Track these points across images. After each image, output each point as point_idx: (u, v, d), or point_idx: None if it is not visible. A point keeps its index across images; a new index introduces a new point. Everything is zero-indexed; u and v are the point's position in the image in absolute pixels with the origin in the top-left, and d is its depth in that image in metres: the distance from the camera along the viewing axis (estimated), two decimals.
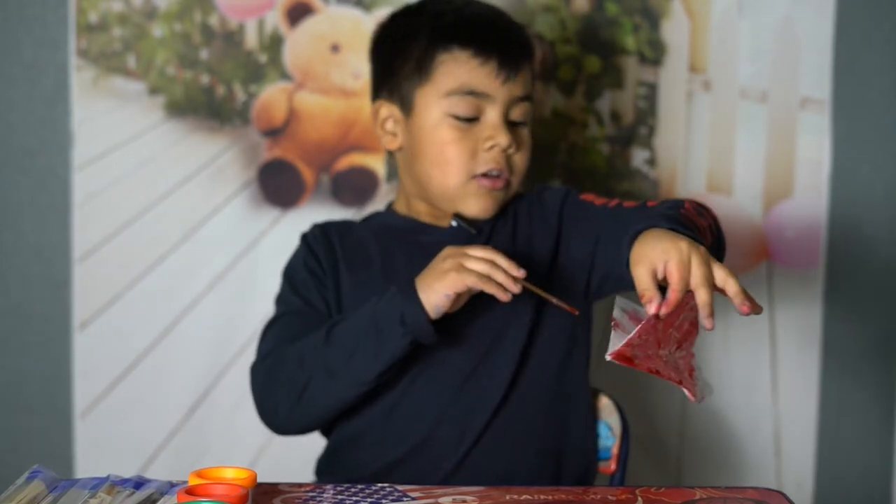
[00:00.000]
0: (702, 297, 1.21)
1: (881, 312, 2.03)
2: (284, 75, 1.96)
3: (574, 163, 1.98)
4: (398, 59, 1.57)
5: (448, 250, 1.40)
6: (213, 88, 1.96)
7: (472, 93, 1.52)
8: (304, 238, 1.62)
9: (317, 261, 1.57)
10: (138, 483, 1.25)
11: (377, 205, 1.96)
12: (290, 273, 1.60)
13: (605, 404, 1.63)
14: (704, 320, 1.22)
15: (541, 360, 1.53)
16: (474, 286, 1.36)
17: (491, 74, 1.52)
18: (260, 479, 1.22)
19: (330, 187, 1.97)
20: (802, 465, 2.04)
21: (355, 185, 1.97)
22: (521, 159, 1.55)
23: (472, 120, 1.53)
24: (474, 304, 1.44)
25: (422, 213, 1.60)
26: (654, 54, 1.97)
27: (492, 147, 1.52)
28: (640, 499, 1.25)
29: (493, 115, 1.53)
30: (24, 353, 1.99)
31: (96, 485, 1.24)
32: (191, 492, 1.14)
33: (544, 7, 1.95)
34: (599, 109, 1.98)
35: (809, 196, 2.00)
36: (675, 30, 1.97)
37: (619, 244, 1.31)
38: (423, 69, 1.55)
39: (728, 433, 2.04)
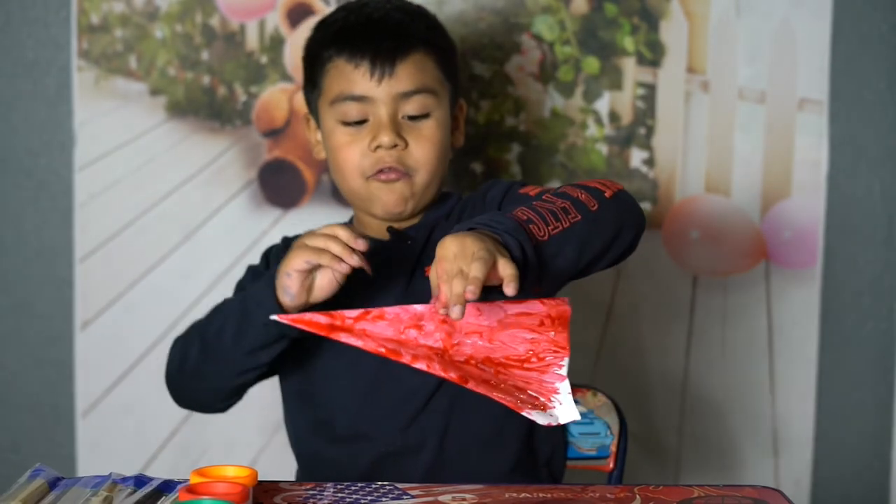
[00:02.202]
0: (454, 288, 1.19)
1: (879, 312, 2.04)
2: (285, 76, 1.96)
3: (573, 163, 1.99)
4: (305, 73, 1.62)
5: (304, 232, 1.39)
6: (214, 89, 1.96)
7: (351, 97, 1.53)
8: (266, 251, 1.64)
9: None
10: (140, 481, 1.25)
11: None
12: (242, 280, 1.62)
13: (603, 403, 1.63)
14: (451, 310, 1.20)
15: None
16: (310, 260, 1.33)
17: (366, 76, 1.53)
18: (261, 478, 1.22)
19: (330, 188, 1.98)
20: (800, 464, 2.04)
21: None
22: (420, 153, 1.54)
23: (362, 123, 1.54)
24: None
25: (372, 227, 1.59)
26: (653, 55, 1.98)
27: (376, 147, 1.52)
28: (638, 497, 1.25)
29: (376, 115, 1.53)
30: (26, 353, 2.00)
31: (98, 483, 1.24)
32: (192, 490, 1.14)
33: (543, 8, 1.96)
34: (598, 110, 1.99)
35: (807, 196, 2.01)
36: (673, 31, 1.98)
37: None
38: (314, 81, 1.59)
39: (726, 432, 2.05)
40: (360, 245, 1.33)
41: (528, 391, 1.24)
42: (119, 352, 1.99)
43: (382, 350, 1.25)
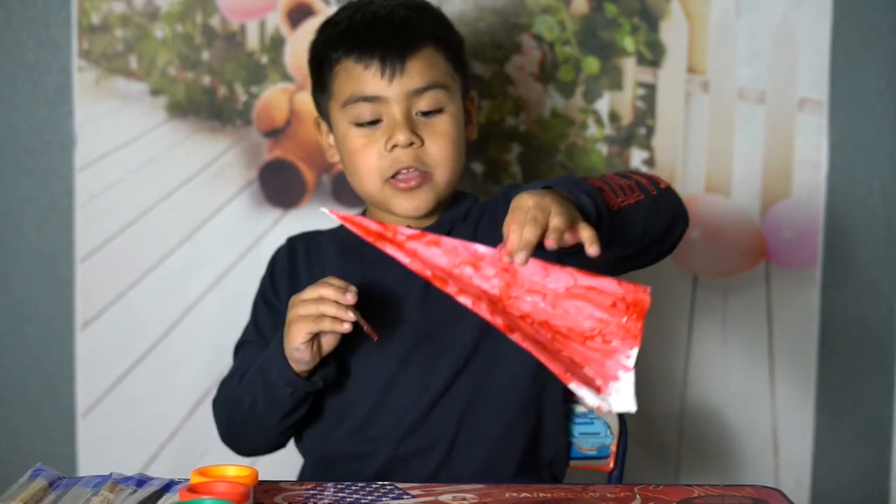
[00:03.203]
0: (525, 234, 1.19)
1: (879, 312, 2.04)
2: (285, 76, 1.96)
3: (573, 163, 1.99)
4: (312, 77, 1.60)
5: (293, 299, 1.39)
6: (215, 89, 1.97)
7: (363, 98, 1.51)
8: (272, 258, 1.63)
9: (273, 290, 1.59)
10: (140, 481, 1.26)
11: None
12: (256, 298, 1.62)
13: None
14: (515, 256, 1.20)
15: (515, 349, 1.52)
16: (311, 331, 1.35)
17: (376, 76, 1.50)
18: (261, 477, 1.23)
19: (331, 188, 1.98)
20: (800, 464, 2.05)
21: None
22: (437, 149, 1.52)
23: (376, 123, 1.52)
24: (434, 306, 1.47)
25: (386, 220, 1.54)
26: (653, 55, 1.98)
27: (392, 147, 1.50)
28: (638, 497, 1.26)
29: (389, 114, 1.51)
30: (27, 353, 2.00)
31: (99, 483, 1.24)
32: (193, 489, 1.14)
33: (543, 8, 1.96)
34: (598, 110, 1.99)
35: (807, 196, 2.01)
36: (673, 31, 1.98)
37: None
38: (324, 84, 1.57)
39: (726, 431, 2.05)
40: (350, 299, 1.33)
41: (585, 369, 1.20)
42: (120, 351, 1.99)
43: (428, 273, 1.22)
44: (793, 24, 1.98)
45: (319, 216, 1.95)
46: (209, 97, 1.96)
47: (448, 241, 1.25)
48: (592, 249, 1.20)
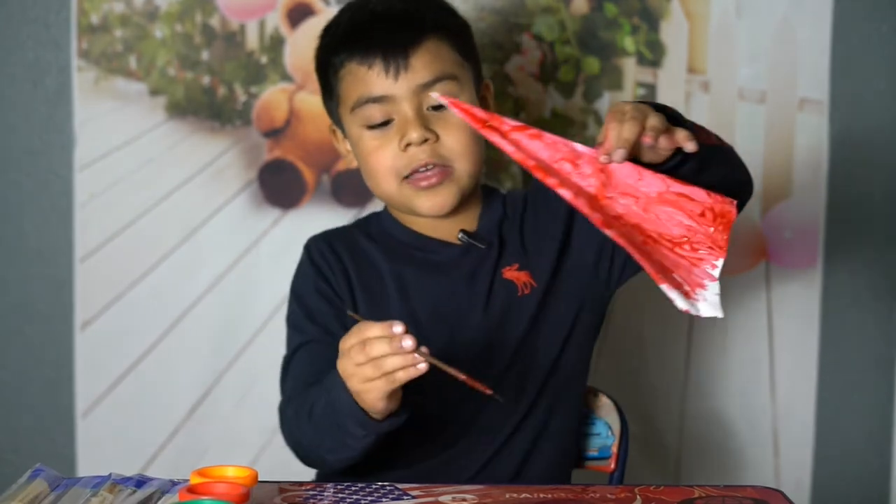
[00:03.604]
0: (624, 131, 1.21)
1: (879, 312, 2.04)
2: (285, 76, 1.96)
3: None
4: (320, 84, 1.57)
5: (341, 344, 1.27)
6: (214, 89, 1.96)
7: (371, 100, 1.47)
8: (310, 255, 1.56)
9: (328, 284, 1.51)
10: (140, 482, 1.25)
11: (378, 206, 1.96)
12: (300, 294, 1.53)
13: (605, 403, 1.63)
14: (614, 153, 1.21)
15: (570, 365, 1.52)
16: (387, 391, 1.24)
17: (381, 75, 1.46)
18: (261, 478, 1.22)
19: (330, 188, 1.98)
20: (801, 464, 2.05)
21: (356, 186, 1.97)
22: (453, 142, 1.47)
23: (388, 123, 1.48)
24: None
25: (420, 224, 1.54)
26: (653, 55, 1.98)
27: (406, 146, 1.46)
28: (638, 497, 1.25)
29: (400, 113, 1.47)
30: (26, 353, 2.00)
31: (98, 483, 1.24)
32: (192, 490, 1.14)
33: (543, 8, 1.96)
34: (598, 110, 1.99)
35: (807, 197, 2.01)
36: (673, 31, 1.98)
37: None
38: (331, 90, 1.53)
39: (727, 432, 2.05)
40: (409, 345, 1.20)
41: (674, 274, 1.21)
42: (119, 352, 1.99)
43: (531, 163, 1.22)
44: (793, 24, 1.98)
45: (319, 216, 1.96)
46: (209, 97, 1.96)
47: (549, 136, 1.24)
48: (690, 145, 1.22)
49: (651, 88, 1.98)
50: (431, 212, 1.49)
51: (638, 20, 1.97)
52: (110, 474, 1.26)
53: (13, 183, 1.98)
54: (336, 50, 1.52)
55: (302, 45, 1.95)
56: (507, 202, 1.57)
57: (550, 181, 1.22)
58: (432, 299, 1.47)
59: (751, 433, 2.04)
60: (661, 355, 2.03)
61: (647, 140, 1.21)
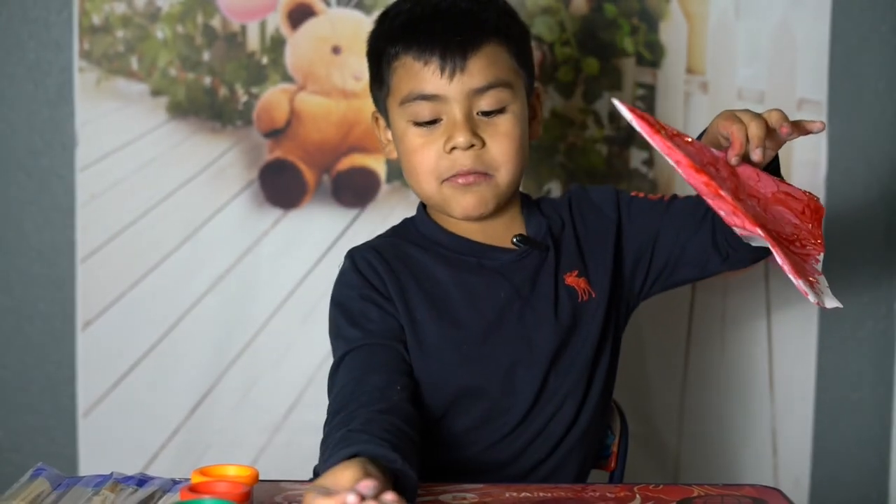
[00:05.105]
0: (752, 130, 1.24)
1: (878, 312, 2.04)
2: (286, 77, 1.97)
3: (573, 163, 1.99)
4: (371, 70, 1.54)
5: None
6: (215, 90, 1.97)
7: (422, 97, 1.44)
8: (354, 264, 1.49)
9: (376, 291, 1.45)
10: (141, 480, 1.26)
11: (378, 205, 1.97)
12: (341, 302, 1.47)
13: None
14: (752, 152, 1.26)
15: (614, 369, 1.53)
16: None
17: (436, 74, 1.43)
18: (262, 477, 1.23)
19: (331, 188, 1.98)
20: (800, 463, 2.05)
21: (356, 186, 1.98)
22: (499, 150, 1.44)
23: (435, 122, 1.45)
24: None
25: (465, 229, 1.51)
26: (652, 56, 1.99)
27: (452, 149, 1.43)
28: (638, 496, 1.26)
29: (449, 114, 1.44)
30: (28, 353, 2.00)
31: (100, 482, 1.25)
32: (193, 489, 1.15)
33: (543, 9, 1.97)
34: (598, 110, 1.99)
35: None
36: (672, 32, 1.98)
37: (685, 225, 1.45)
38: (382, 80, 1.50)
39: (726, 431, 2.05)
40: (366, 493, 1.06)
41: (804, 271, 1.24)
42: (120, 352, 1.99)
43: (683, 161, 1.20)
44: (792, 24, 1.98)
45: (320, 216, 1.96)
46: (210, 98, 1.97)
47: (696, 142, 1.25)
48: (818, 125, 1.27)
49: (650, 89, 1.99)
50: (466, 211, 1.46)
51: (637, 21, 1.98)
52: (112, 473, 1.27)
53: (15, 183, 1.98)
54: (393, 39, 1.47)
55: (302, 45, 1.96)
56: (543, 207, 1.54)
57: (701, 178, 1.21)
58: (500, 304, 1.44)
59: (750, 432, 2.05)
60: (660, 355, 2.03)
61: (785, 130, 1.25)
